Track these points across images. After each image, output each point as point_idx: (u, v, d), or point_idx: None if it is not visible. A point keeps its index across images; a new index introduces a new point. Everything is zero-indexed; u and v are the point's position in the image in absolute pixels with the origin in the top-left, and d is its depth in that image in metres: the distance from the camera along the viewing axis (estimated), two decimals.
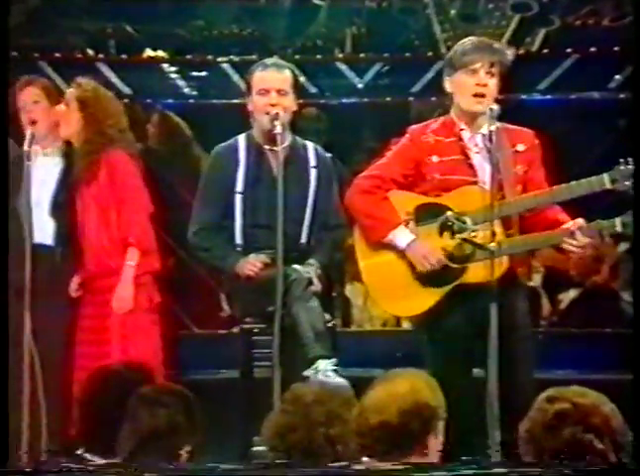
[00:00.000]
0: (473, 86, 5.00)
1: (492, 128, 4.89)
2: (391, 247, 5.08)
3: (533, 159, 5.11)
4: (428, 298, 5.03)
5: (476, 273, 4.95)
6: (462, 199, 5.01)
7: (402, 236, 5.06)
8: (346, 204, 5.25)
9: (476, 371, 5.03)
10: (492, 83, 5.01)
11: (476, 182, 5.01)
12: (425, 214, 5.07)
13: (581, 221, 4.95)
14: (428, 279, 5.03)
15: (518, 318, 5.03)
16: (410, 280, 5.07)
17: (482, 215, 4.93)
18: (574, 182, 4.95)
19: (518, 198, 5.02)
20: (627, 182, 4.87)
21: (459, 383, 4.71)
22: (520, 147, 5.08)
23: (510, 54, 5.33)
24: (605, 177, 4.90)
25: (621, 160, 4.88)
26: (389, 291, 5.14)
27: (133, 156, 5.87)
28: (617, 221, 4.90)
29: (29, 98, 5.93)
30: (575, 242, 4.93)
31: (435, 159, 5.05)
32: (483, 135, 4.96)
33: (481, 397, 4.81)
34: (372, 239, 5.12)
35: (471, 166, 5.04)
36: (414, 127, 5.21)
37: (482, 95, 4.99)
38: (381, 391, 3.41)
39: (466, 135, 5.06)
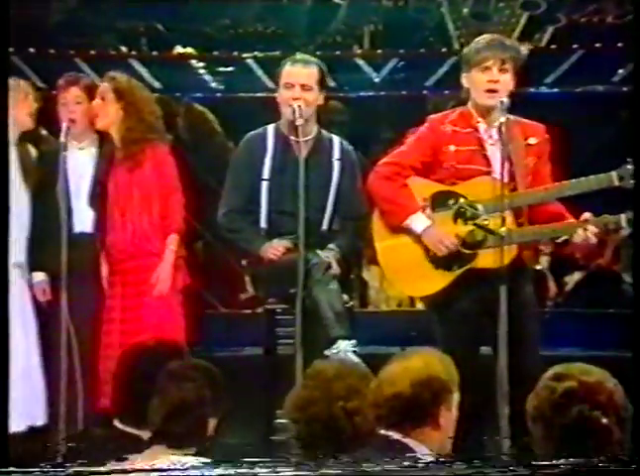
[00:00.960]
0: (485, 83, 4.99)
1: (502, 120, 4.90)
2: (408, 231, 5.08)
3: (543, 152, 5.10)
4: (440, 281, 5.03)
5: (485, 259, 4.95)
6: (475, 189, 5.01)
7: (419, 221, 5.05)
8: (367, 189, 5.24)
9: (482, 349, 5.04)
10: (505, 79, 5.00)
11: (489, 173, 5.01)
12: (440, 201, 5.07)
13: (589, 215, 4.95)
14: (441, 262, 5.03)
15: (525, 300, 5.03)
16: (424, 262, 5.07)
17: (494, 204, 4.92)
18: (583, 179, 4.96)
19: (530, 191, 5.02)
20: (633, 181, 4.85)
21: (467, 360, 4.71)
22: (532, 140, 5.08)
23: (524, 50, 5.28)
24: (614, 174, 4.89)
25: (629, 159, 4.86)
26: (404, 272, 5.14)
27: (170, 147, 5.89)
28: (622, 217, 4.90)
29: (72, 99, 5.92)
30: (582, 234, 4.91)
31: (452, 148, 5.05)
32: (498, 128, 4.93)
33: (489, 373, 4.81)
34: (390, 223, 5.12)
35: (485, 156, 5.03)
36: (433, 116, 5.21)
37: (495, 91, 4.98)
38: (396, 366, 3.43)
39: (482, 127, 5.06)
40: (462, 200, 5.02)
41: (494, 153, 5.00)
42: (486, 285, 4.87)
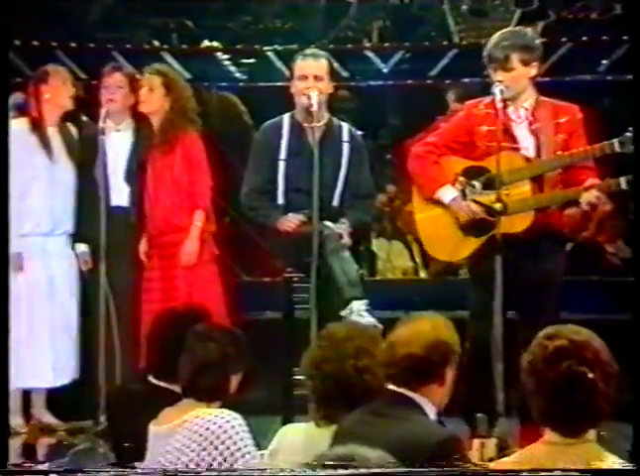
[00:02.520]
0: (495, 81, 5.03)
1: (500, 105, 4.92)
2: (440, 203, 5.12)
3: (574, 129, 5.08)
4: (469, 246, 5.07)
5: (507, 226, 4.91)
6: (500, 163, 4.95)
7: (447, 193, 5.09)
8: (406, 168, 5.27)
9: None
10: (510, 75, 5.01)
11: (517, 149, 5.02)
12: (471, 175, 5.09)
13: (594, 180, 4.95)
14: (469, 229, 5.06)
15: (547, 266, 5.00)
16: (455, 230, 5.11)
17: (519, 174, 4.93)
18: (589, 147, 4.97)
19: (542, 160, 5.02)
20: (632, 146, 4.85)
21: (486, 322, 4.70)
22: (563, 119, 5.07)
23: (533, 40, 5.23)
24: (615, 141, 4.89)
25: (629, 128, 4.87)
26: (438, 239, 5.20)
27: (200, 134, 5.88)
28: (622, 179, 4.91)
29: (114, 82, 5.92)
30: (587, 196, 4.91)
31: (484, 128, 5.06)
32: (526, 109, 5.01)
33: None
34: (424, 195, 5.18)
35: (513, 136, 5.04)
36: (470, 102, 5.28)
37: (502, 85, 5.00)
38: (408, 329, 3.40)
39: (510, 109, 5.05)
40: (460, 178, 5.05)
41: (522, 131, 5.03)
42: (509, 250, 4.84)
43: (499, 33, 5.17)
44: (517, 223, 4.87)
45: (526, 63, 5.05)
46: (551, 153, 4.99)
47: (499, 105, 4.93)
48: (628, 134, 4.85)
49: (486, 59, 5.07)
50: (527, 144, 4.99)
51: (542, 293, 4.88)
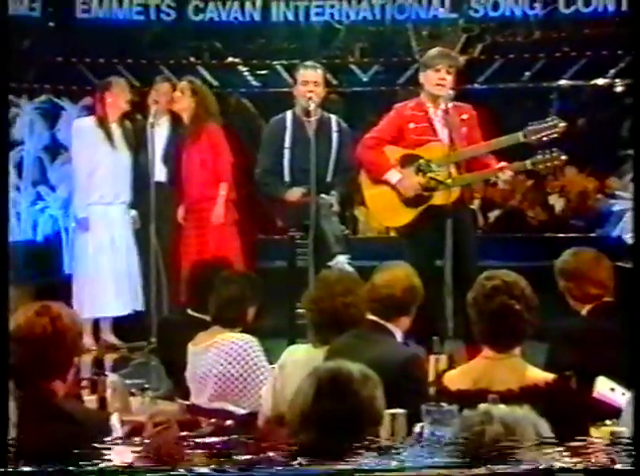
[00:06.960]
0: (436, 79, 4.92)
1: (450, 105, 4.86)
2: (386, 182, 5.01)
3: (472, 124, 5.01)
4: (408, 215, 4.98)
5: (438, 198, 4.86)
6: (430, 151, 4.93)
7: (394, 175, 4.99)
8: (356, 155, 5.17)
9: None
10: (450, 78, 4.93)
11: (438, 141, 4.93)
12: (406, 161, 4.99)
13: (504, 163, 4.89)
14: (408, 202, 4.97)
15: (467, 227, 4.96)
16: (397, 203, 5.00)
17: (443, 161, 4.84)
18: (501, 138, 4.90)
19: (466, 149, 4.93)
20: (533, 137, 4.78)
21: (427, 269, 4.64)
22: (464, 116, 4.99)
23: (462, 60, 5.23)
24: (520, 134, 4.83)
25: (529, 122, 4.81)
26: (384, 210, 5.10)
27: (221, 126, 5.85)
28: (527, 162, 4.85)
29: (162, 89, 5.91)
30: (502, 176, 4.87)
31: (412, 125, 4.97)
32: (443, 110, 4.87)
33: (441, 279, 4.75)
34: (373, 177, 5.06)
35: (434, 130, 4.95)
36: (398, 104, 5.15)
37: (443, 85, 4.90)
38: (388, 274, 3.39)
39: (431, 110, 4.97)
40: (420, 160, 4.97)
41: (440, 127, 4.94)
42: (439, 217, 4.78)
43: (436, 48, 5.12)
44: (447, 197, 4.75)
45: (454, 74, 4.97)
46: (460, 141, 4.89)
47: (450, 104, 4.86)
48: (529, 128, 4.76)
49: (432, 62, 4.93)
50: (443, 136, 4.88)
51: (462, 247, 4.79)
